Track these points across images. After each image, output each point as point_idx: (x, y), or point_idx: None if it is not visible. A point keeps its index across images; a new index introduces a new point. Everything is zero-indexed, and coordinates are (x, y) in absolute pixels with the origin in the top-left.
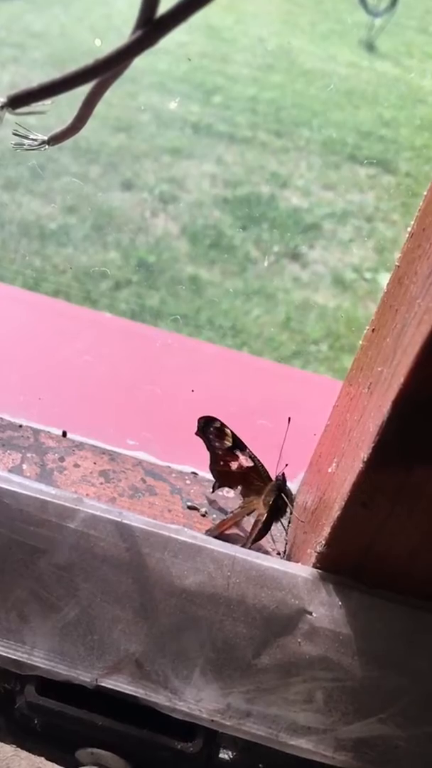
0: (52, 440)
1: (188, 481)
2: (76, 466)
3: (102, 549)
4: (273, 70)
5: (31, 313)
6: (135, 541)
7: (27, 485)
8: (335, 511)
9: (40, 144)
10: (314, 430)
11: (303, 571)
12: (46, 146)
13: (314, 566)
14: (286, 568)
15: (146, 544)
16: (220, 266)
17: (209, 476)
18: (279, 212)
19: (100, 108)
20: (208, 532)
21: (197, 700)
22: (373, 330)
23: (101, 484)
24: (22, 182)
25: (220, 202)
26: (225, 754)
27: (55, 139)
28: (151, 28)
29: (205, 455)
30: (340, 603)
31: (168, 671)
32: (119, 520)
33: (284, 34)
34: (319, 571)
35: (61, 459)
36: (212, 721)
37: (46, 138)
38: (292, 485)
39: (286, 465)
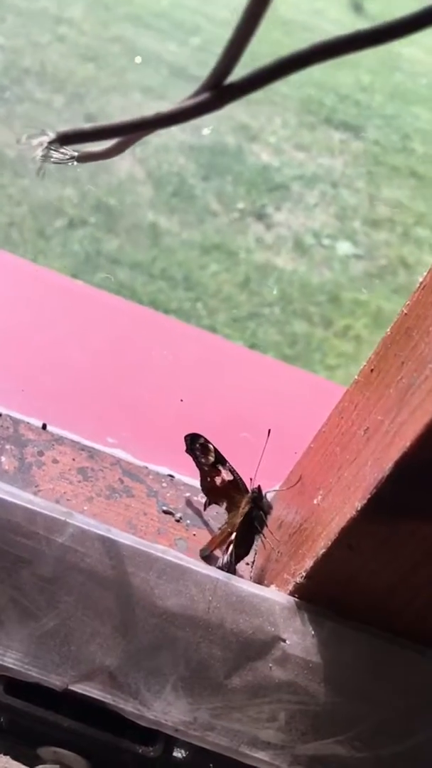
0: (31, 432)
1: (164, 484)
2: (55, 461)
3: (88, 565)
4: None
5: (21, 289)
6: (121, 559)
7: (17, 494)
8: (320, 548)
9: (68, 159)
10: (299, 439)
11: (281, 598)
12: (74, 162)
13: (291, 594)
14: (266, 594)
15: (132, 563)
16: (179, 216)
17: (185, 479)
18: (246, 167)
19: (69, 33)
20: (202, 551)
21: (165, 712)
22: (371, 370)
23: (79, 482)
24: None
25: (187, 149)
26: (178, 753)
27: (85, 158)
28: (218, 94)
29: (182, 456)
30: (313, 632)
31: (140, 685)
32: (108, 536)
33: None
34: (296, 599)
35: (40, 453)
36: (176, 730)
37: (75, 154)
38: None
39: (251, 479)
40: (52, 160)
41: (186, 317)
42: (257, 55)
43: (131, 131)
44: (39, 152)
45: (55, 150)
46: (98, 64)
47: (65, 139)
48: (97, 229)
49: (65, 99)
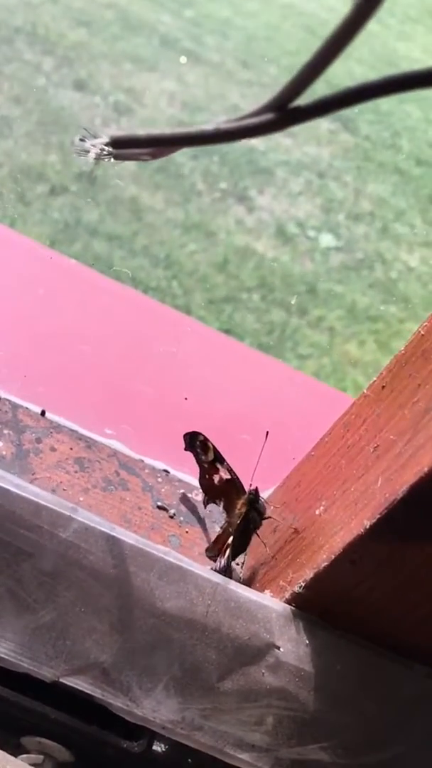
0: (30, 418)
1: (160, 479)
2: (53, 449)
3: (90, 562)
4: None
5: (35, 274)
6: (123, 558)
7: (23, 486)
8: (322, 561)
9: (106, 155)
10: (299, 444)
11: (278, 606)
12: (112, 159)
13: (287, 602)
14: (263, 602)
15: (134, 562)
16: (163, 193)
17: (180, 475)
18: (232, 148)
19: None
20: (208, 552)
21: (154, 710)
22: (383, 387)
23: (76, 472)
24: None
25: (175, 124)
26: (158, 747)
27: (124, 158)
28: (283, 115)
29: (178, 452)
30: (306, 641)
31: (132, 682)
32: (111, 534)
33: None
34: (292, 608)
35: (38, 440)
36: (164, 728)
37: (114, 151)
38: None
39: (251, 484)
40: (89, 155)
41: (161, 295)
42: (254, 35)
43: (186, 143)
44: (92, 155)
45: (103, 151)
46: (90, 29)
47: (117, 143)
48: (78, 198)
49: (55, 62)
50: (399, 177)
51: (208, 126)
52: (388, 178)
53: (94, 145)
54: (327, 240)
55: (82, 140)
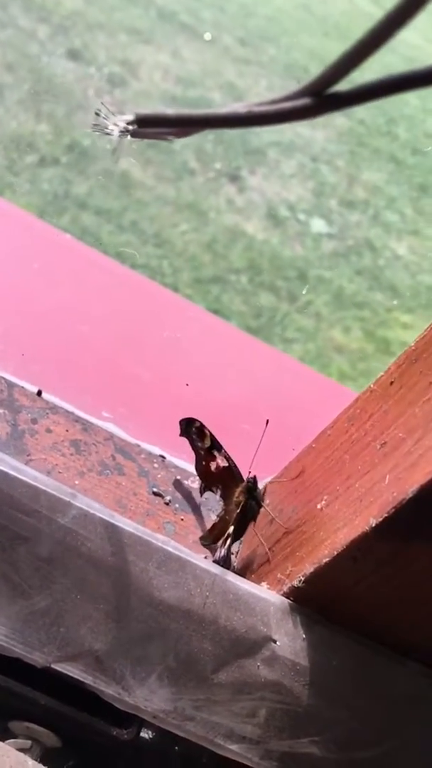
0: (26, 398)
1: (156, 465)
2: (48, 431)
3: (88, 549)
4: None
5: (33, 251)
6: (122, 546)
7: (22, 470)
8: (323, 557)
9: (127, 133)
10: (298, 435)
11: (275, 599)
12: (129, 136)
13: (285, 595)
14: (261, 594)
15: (133, 551)
16: (155, 169)
17: (176, 461)
18: None
19: None
20: (203, 540)
21: (146, 699)
22: (391, 383)
23: (71, 455)
24: None
25: (168, 99)
26: (145, 734)
27: (144, 136)
28: (320, 101)
29: (175, 438)
30: (303, 636)
31: (126, 671)
32: (110, 521)
33: None
34: (290, 602)
35: (34, 421)
36: (155, 717)
37: (136, 130)
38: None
39: (249, 472)
40: (106, 131)
41: (150, 273)
42: (253, 12)
43: (217, 125)
44: (116, 133)
45: (126, 129)
46: None
47: (143, 122)
48: (68, 170)
49: (50, 30)
50: (393, 165)
51: (241, 108)
52: (382, 165)
53: (117, 124)
54: (317, 225)
55: (104, 117)
